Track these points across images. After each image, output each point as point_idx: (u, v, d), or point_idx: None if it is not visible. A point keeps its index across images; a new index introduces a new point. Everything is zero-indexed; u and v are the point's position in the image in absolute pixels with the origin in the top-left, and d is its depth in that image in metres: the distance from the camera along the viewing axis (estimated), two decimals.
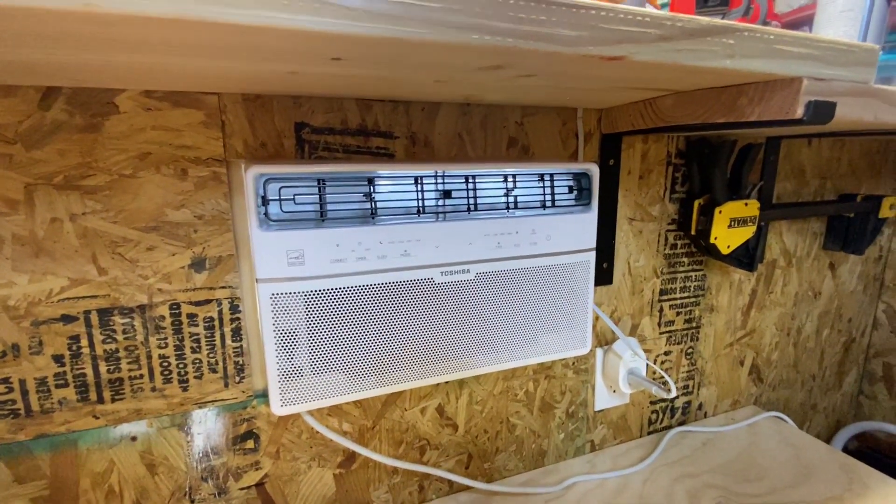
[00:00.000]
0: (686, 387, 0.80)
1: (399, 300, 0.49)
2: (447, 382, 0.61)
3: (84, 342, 0.45)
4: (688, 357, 0.78)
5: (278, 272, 0.44)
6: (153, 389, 0.48)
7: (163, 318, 0.47)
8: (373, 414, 0.58)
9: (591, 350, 0.70)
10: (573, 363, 0.69)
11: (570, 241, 0.56)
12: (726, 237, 0.67)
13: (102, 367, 0.46)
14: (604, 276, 0.67)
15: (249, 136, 0.47)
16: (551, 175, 0.55)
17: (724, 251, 0.68)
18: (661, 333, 0.75)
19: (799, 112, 0.39)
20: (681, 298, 0.75)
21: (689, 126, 0.50)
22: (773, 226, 0.80)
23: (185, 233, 0.47)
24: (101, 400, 0.46)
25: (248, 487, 0.54)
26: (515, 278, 0.54)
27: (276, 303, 0.44)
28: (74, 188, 0.43)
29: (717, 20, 0.33)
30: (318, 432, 0.55)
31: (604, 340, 0.71)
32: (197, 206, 0.47)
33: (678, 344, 0.77)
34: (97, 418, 0.47)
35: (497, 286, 0.53)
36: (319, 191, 0.45)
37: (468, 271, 0.51)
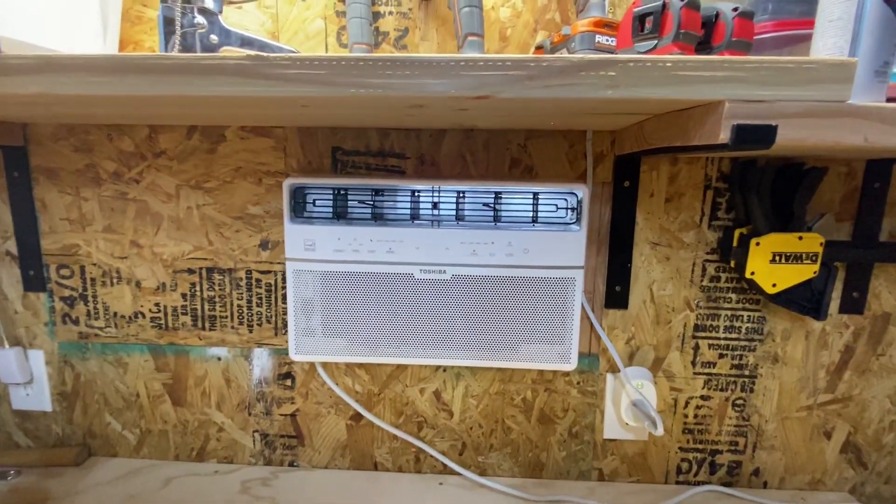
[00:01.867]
0: (734, 444, 0.69)
1: (386, 288, 0.60)
2: (444, 371, 0.70)
3: (198, 288, 0.69)
4: (737, 409, 0.68)
5: (298, 254, 0.61)
6: (232, 328, 0.70)
7: (241, 279, 0.69)
8: (379, 382, 0.71)
9: (601, 374, 0.69)
10: (578, 382, 0.69)
11: (552, 257, 0.59)
12: (769, 274, 0.58)
13: (206, 307, 0.70)
14: (616, 299, 0.66)
15: (301, 157, 0.66)
16: (535, 194, 0.59)
17: (769, 290, 0.59)
18: (695, 374, 0.68)
19: (722, 136, 0.37)
20: (725, 339, 0.66)
21: (670, 148, 0.49)
22: (886, 271, 0.64)
23: (257, 222, 0.67)
24: (203, 328, 0.70)
25: (285, 415, 0.72)
26: (491, 284, 0.60)
27: (296, 277, 0.61)
28: (200, 188, 0.67)
29: (594, 56, 0.36)
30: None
31: (618, 367, 0.68)
32: (266, 205, 0.67)
33: (722, 391, 0.68)
34: (200, 339, 0.71)
35: (473, 289, 0.60)
36: (334, 197, 0.61)
37: (444, 272, 0.60)
